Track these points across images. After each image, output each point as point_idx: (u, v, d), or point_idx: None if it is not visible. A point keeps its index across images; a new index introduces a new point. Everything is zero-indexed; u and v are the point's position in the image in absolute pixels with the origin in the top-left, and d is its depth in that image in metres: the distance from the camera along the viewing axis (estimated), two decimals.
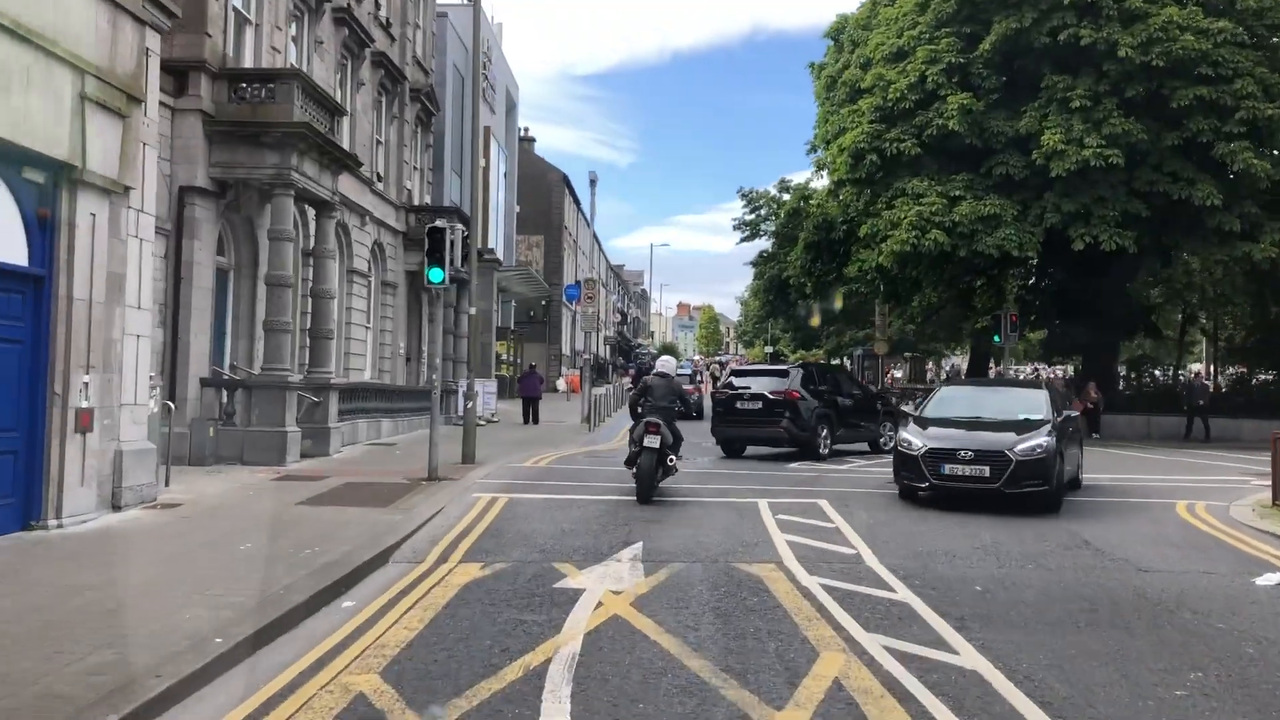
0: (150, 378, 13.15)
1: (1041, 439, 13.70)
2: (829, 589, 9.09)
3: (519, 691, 6.24)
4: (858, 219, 32.53)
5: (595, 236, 69.19)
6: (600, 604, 8.51)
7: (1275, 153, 28.15)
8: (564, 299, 56.87)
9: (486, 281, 36.68)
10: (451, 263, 15.76)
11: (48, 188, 10.45)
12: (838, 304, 39.20)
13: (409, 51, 29.91)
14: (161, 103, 16.34)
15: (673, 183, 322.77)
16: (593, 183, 32.01)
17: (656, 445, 14.05)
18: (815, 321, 38.96)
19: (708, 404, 36.88)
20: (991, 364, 66.34)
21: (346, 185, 24.42)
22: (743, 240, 55.54)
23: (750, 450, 22.41)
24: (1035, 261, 29.08)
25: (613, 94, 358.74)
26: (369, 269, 27.22)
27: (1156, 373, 41.26)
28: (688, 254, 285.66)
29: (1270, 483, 14.85)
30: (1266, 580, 9.94)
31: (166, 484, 13.96)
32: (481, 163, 40.38)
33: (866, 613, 8.28)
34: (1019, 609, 8.60)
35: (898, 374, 56.39)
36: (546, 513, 13.02)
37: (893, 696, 6.20)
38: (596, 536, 11.44)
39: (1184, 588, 9.45)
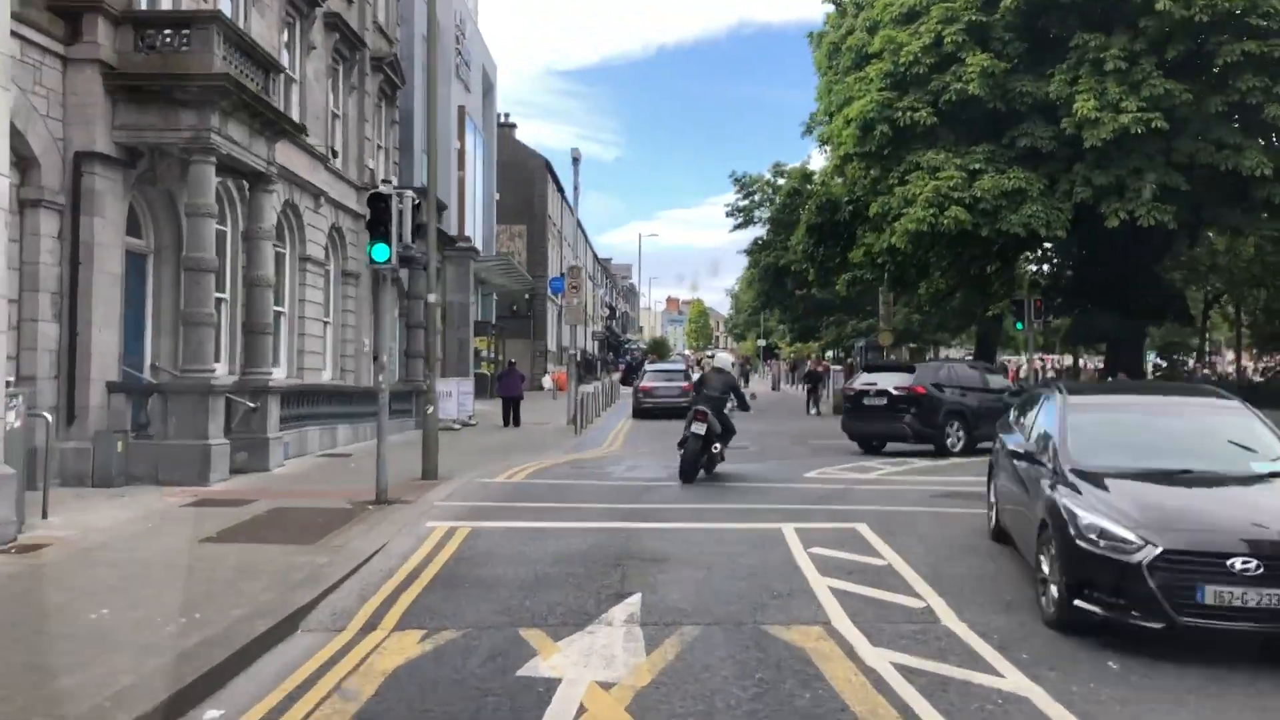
0: (8, 384, 10.33)
1: None
2: (907, 671, 6.38)
3: None
4: (865, 197, 29.84)
5: (579, 225, 66.17)
6: (583, 709, 5.78)
7: None
8: (549, 292, 54.03)
9: (463, 271, 33.88)
10: (400, 238, 12.96)
11: None
12: (841, 291, 36.43)
13: (369, 15, 27.04)
14: (48, 49, 13.52)
15: (660, 177, 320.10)
16: (575, 161, 29.27)
17: (702, 432, 15.12)
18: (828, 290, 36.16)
19: None
20: (1001, 355, 63.84)
21: (295, 160, 21.58)
22: (736, 227, 52.90)
23: (761, 456, 19.72)
24: (1061, 239, 26.31)
25: (598, 89, 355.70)
26: (326, 256, 24.37)
27: (1191, 361, 38.64)
28: (676, 248, 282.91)
29: None
30: None
31: (44, 515, 11.16)
32: (456, 145, 37.61)
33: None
34: None
35: None
36: (518, 548, 10.24)
37: None
38: (580, 585, 8.68)
39: None
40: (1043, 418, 9.39)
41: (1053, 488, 7.87)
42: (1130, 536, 6.90)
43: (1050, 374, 51.52)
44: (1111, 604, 6.91)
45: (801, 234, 33.03)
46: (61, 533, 10.62)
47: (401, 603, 8.22)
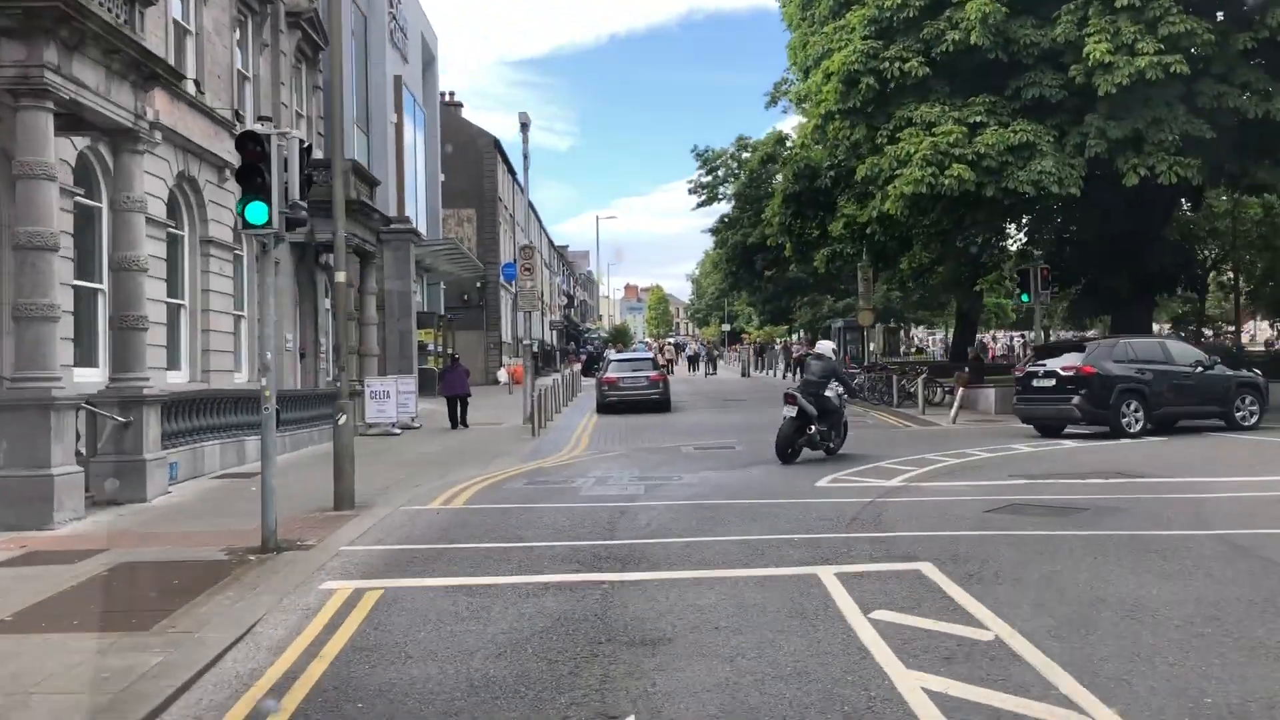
0: None
1: None
2: None
3: None
4: (849, 161, 26.83)
5: (532, 207, 62.56)
6: None
7: None
8: (501, 279, 50.64)
9: (402, 256, 30.44)
10: (286, 195, 9.67)
11: None
12: (820, 268, 33.45)
13: None
14: None
15: (614, 166, 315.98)
16: (524, 126, 25.90)
17: (794, 415, 15.70)
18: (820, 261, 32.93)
19: (676, 390, 31.11)
20: (987, 335, 61.34)
21: (190, 124, 18.16)
22: (700, 205, 49.83)
23: (753, 459, 16.67)
24: (1075, 196, 23.40)
25: (549, 79, 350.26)
26: (237, 239, 20.94)
27: (1207, 332, 36.08)
28: (633, 236, 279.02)
29: None
30: None
31: None
32: (392, 117, 34.15)
33: None
34: None
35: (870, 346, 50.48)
36: (448, 628, 7.04)
37: None
38: (541, 702, 5.53)
39: None
40: None
41: None
42: None
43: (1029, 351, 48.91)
44: None
45: (777, 205, 30.02)
46: None
47: None
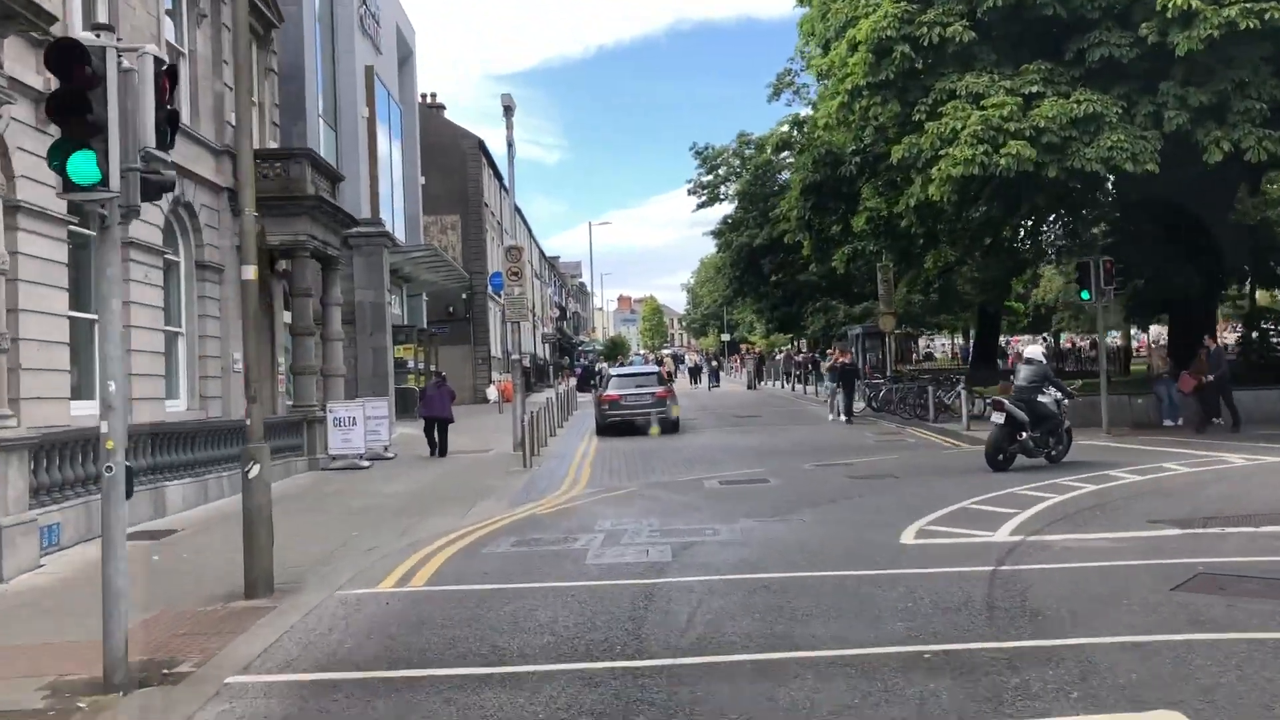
0: None
1: None
2: None
3: None
4: (875, 144, 23.60)
5: (519, 212, 59.11)
6: None
7: None
8: (489, 289, 47.37)
9: (374, 263, 27.15)
10: (128, 142, 6.30)
11: None
12: (839, 268, 30.19)
13: None
14: None
15: (604, 178, 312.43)
16: (508, 110, 22.60)
17: (1001, 420, 15.49)
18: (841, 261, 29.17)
19: (681, 406, 27.77)
20: (1011, 340, 58.06)
21: None
22: (700, 206, 46.66)
23: (798, 500, 13.33)
24: (1153, 173, 20.10)
25: (536, 92, 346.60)
26: (166, 241, 17.63)
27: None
28: (624, 248, 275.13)
29: None
30: None
31: None
32: (363, 111, 30.87)
33: None
34: None
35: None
36: None
37: None
38: None
39: None
40: None
41: None
42: None
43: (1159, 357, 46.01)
44: None
45: (795, 197, 26.81)
46: None
47: None
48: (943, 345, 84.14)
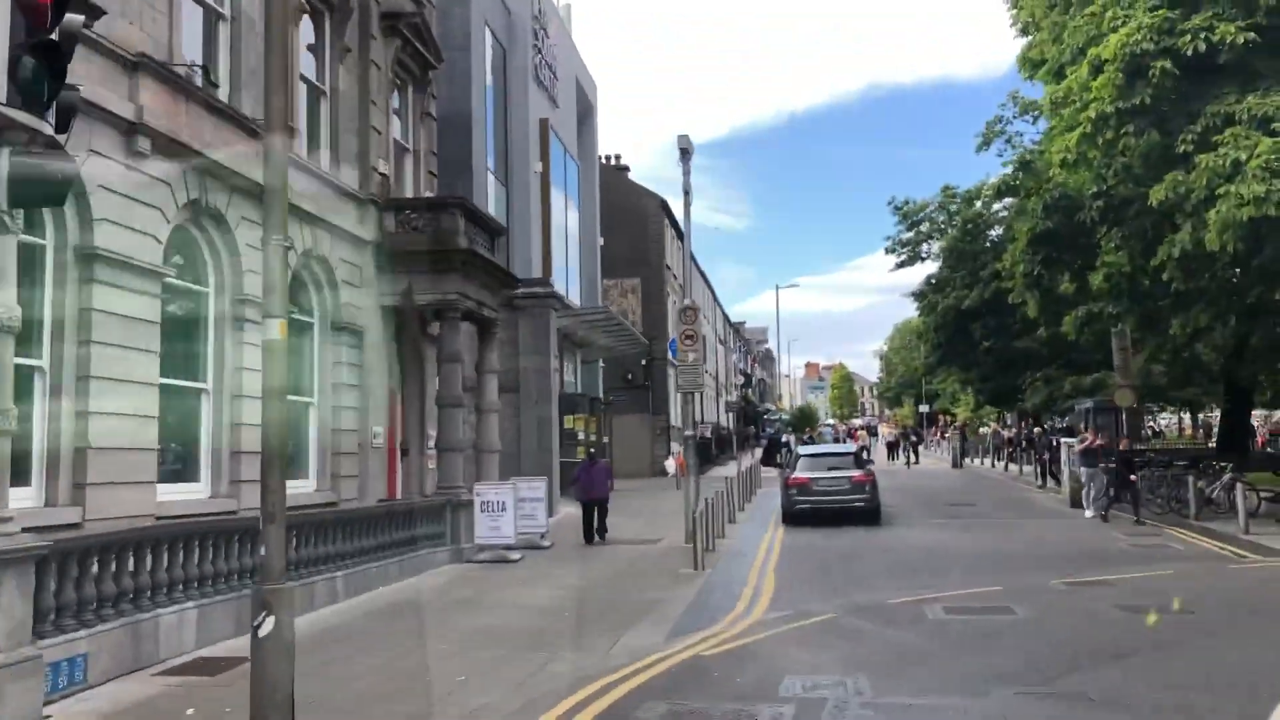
0: None
1: None
2: None
3: None
4: (1122, 184, 19.62)
5: (701, 273, 56.21)
6: None
7: None
8: (669, 356, 44.73)
9: (541, 325, 24.85)
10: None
11: None
12: (1069, 334, 25.88)
13: None
14: None
15: (794, 245, 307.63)
16: (684, 153, 19.95)
17: None
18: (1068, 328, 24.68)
19: (885, 488, 24.00)
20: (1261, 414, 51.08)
21: (204, 129, 12.88)
22: (899, 266, 42.76)
23: (1060, 618, 9.68)
24: None
25: (728, 161, 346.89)
26: (298, 297, 15.64)
27: None
28: (813, 315, 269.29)
29: None
30: None
31: None
32: (536, 167, 28.93)
33: None
34: None
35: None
36: None
37: None
38: None
39: None
40: None
41: None
42: None
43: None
44: None
45: (1019, 250, 22.94)
46: None
47: None
48: (1164, 422, 75.98)
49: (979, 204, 39.39)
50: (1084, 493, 23.06)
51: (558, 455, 24.93)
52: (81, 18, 6.27)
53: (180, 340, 13.00)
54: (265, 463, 6.73)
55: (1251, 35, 16.72)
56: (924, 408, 71.31)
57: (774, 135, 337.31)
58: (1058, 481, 31.22)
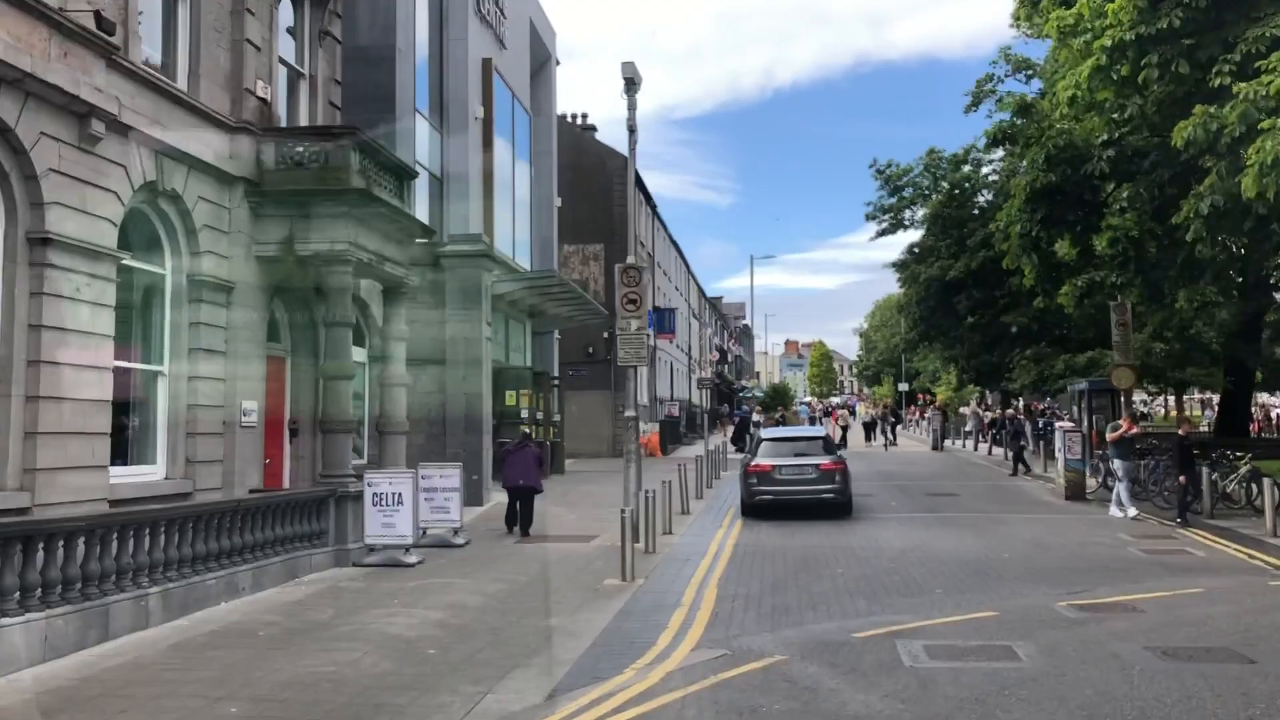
0: None
1: None
2: None
3: None
4: (1139, 130, 16.84)
5: (656, 213, 52.18)
6: None
7: None
8: None
9: (471, 289, 21.88)
10: None
11: None
12: (1067, 306, 23.13)
13: None
14: None
15: (778, 222, 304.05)
16: (630, 84, 16.94)
17: None
18: (1066, 304, 21.76)
19: (853, 472, 21.33)
20: (1269, 398, 48.59)
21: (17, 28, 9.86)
22: (879, 234, 39.95)
23: (1079, 669, 6.89)
24: None
25: (712, 136, 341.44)
26: (146, 246, 12.69)
27: None
28: (795, 292, 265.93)
29: None
30: None
31: None
32: (477, 111, 25.84)
33: None
34: None
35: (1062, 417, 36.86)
36: None
37: None
38: None
39: None
40: None
41: None
42: None
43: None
44: None
45: (1016, 207, 20.12)
46: None
47: None
48: (1152, 403, 73.41)
49: (966, 167, 36.59)
50: (1115, 490, 19.70)
51: (490, 436, 22.02)
52: None
53: None
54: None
55: None
56: (903, 386, 68.70)
57: (758, 110, 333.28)
58: (1027, 469, 28.56)
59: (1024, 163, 19.92)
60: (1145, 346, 28.98)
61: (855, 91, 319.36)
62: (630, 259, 17.33)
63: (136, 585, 10.13)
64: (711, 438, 46.35)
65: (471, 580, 13.05)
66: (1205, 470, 19.20)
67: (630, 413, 16.97)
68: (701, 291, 76.56)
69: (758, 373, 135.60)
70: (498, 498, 21.18)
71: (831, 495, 19.14)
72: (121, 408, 12.31)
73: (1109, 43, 15.46)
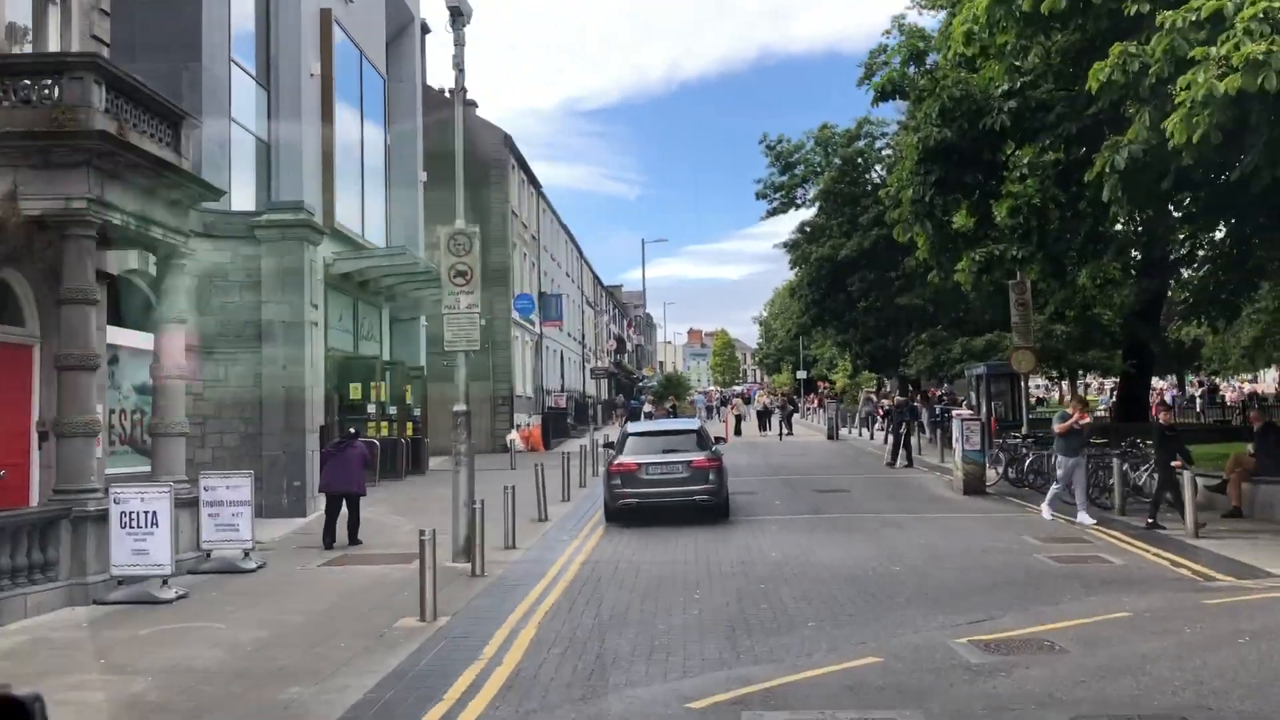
0: None
1: None
2: None
3: None
4: (1044, 77, 14.76)
5: (541, 194, 47.88)
6: None
7: None
8: (514, 315, 39.19)
9: (292, 264, 18.88)
10: None
11: None
12: (965, 283, 21.15)
13: None
14: None
15: (684, 213, 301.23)
16: (456, 14, 14.23)
17: None
18: (964, 279, 19.64)
19: (737, 465, 19.15)
20: (1161, 383, 47.92)
21: None
22: (771, 213, 37.91)
23: None
24: None
25: (619, 128, 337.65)
26: None
27: None
28: (701, 283, 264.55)
29: None
30: None
31: None
32: (311, 68, 22.79)
33: None
34: None
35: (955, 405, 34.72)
36: None
37: None
38: None
39: None
40: None
41: None
42: None
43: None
44: None
45: (908, 170, 17.96)
46: None
47: None
48: (1041, 390, 73.10)
49: (861, 143, 34.69)
50: (1073, 491, 16.34)
51: (315, 436, 19.08)
52: None
53: None
54: None
55: None
56: (801, 374, 67.10)
57: (665, 103, 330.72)
58: (908, 459, 26.69)
59: (918, 117, 17.79)
60: (1046, 328, 27.37)
61: (760, 84, 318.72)
62: (459, 223, 14.64)
63: None
64: (607, 429, 43.91)
65: (229, 624, 10.24)
66: (1116, 462, 17.30)
67: (460, 407, 14.31)
68: (597, 279, 74.02)
69: (661, 362, 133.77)
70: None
71: (704, 497, 16.74)
72: None
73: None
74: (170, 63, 18.18)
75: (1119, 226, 19.44)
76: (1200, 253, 23.25)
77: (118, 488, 11.89)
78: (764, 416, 46.64)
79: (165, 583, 11.60)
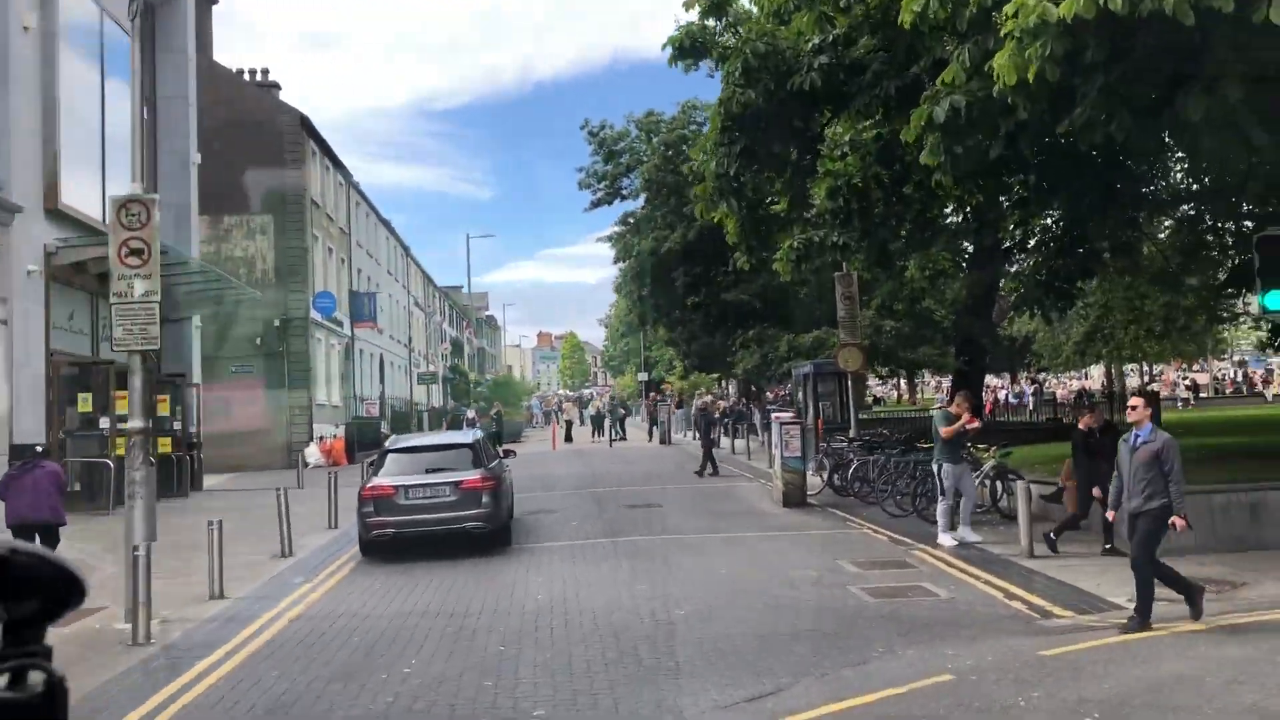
0: None
1: None
2: None
3: None
4: (860, 29, 12.70)
5: (353, 184, 44.44)
6: None
7: None
8: (314, 314, 35.66)
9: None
10: None
11: None
12: (783, 272, 19.08)
13: None
14: None
15: (537, 217, 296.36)
16: None
17: None
18: (783, 269, 17.23)
19: (554, 476, 16.61)
20: (994, 379, 47.47)
21: None
22: (594, 204, 35.49)
23: None
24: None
25: (472, 129, 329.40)
26: None
27: None
28: (555, 286, 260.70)
29: None
30: None
31: None
32: (22, 21, 19.17)
33: None
34: None
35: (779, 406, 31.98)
36: None
37: None
38: None
39: None
40: None
41: None
42: None
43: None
44: None
45: (711, 140, 15.68)
46: None
47: None
48: (880, 382, 72.97)
49: (687, 130, 32.65)
50: (954, 507, 13.82)
51: (3, 459, 15.53)
52: None
53: None
54: None
55: None
56: (643, 376, 65.10)
57: (519, 104, 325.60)
58: (714, 468, 24.63)
59: (720, 74, 15.56)
60: (874, 323, 25.74)
61: (614, 85, 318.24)
62: (135, 186, 11.54)
63: None
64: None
65: None
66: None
67: (135, 423, 11.15)
68: (429, 279, 70.34)
69: (509, 366, 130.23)
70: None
71: (476, 524, 14.04)
72: None
73: None
74: None
75: (949, 210, 17.66)
76: (1032, 242, 21.91)
77: None
78: (597, 422, 44.26)
79: None
